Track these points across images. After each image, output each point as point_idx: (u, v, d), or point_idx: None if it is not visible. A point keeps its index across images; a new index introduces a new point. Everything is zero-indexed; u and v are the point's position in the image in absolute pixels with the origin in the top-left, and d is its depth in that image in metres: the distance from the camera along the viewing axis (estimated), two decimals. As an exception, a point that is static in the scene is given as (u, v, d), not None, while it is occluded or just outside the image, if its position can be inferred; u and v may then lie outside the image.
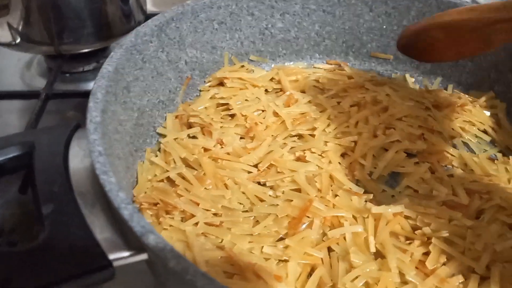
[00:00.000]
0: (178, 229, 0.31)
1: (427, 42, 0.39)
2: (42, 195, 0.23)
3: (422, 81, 0.50)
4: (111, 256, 0.22)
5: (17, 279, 0.20)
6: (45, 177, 0.24)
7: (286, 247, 0.30)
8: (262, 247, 0.30)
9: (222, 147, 0.38)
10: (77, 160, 0.26)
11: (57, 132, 0.27)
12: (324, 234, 0.32)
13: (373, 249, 0.31)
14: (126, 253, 0.22)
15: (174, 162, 0.37)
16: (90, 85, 0.57)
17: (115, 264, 0.22)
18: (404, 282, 0.29)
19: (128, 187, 0.33)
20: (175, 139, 0.39)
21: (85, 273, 0.21)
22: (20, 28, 0.51)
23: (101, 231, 0.22)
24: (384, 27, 0.49)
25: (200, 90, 0.46)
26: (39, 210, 0.22)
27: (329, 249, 0.31)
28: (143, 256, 0.22)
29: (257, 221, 0.33)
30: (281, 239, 0.31)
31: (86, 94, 0.52)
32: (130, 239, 0.22)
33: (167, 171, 0.36)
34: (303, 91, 0.46)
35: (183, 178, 0.35)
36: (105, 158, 0.24)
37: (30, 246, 0.21)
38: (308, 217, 0.32)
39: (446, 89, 0.48)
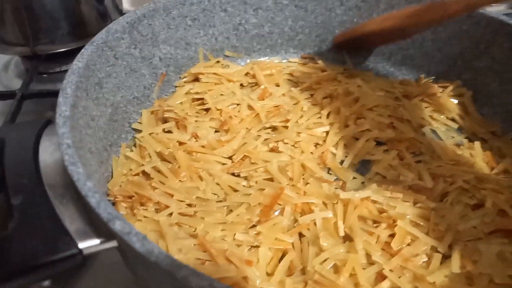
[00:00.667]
0: (152, 219, 0.31)
1: (355, 42, 0.50)
2: (11, 187, 0.23)
3: (392, 72, 0.51)
4: (81, 245, 0.22)
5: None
6: (15, 170, 0.24)
7: (258, 233, 0.31)
8: (235, 234, 0.31)
9: (196, 141, 0.39)
10: (47, 154, 0.26)
11: (27, 128, 0.28)
12: (295, 220, 0.33)
13: (342, 233, 0.32)
14: (96, 241, 0.23)
15: (150, 156, 0.37)
16: (67, 85, 0.58)
17: (86, 252, 0.22)
18: (371, 263, 0.30)
19: (103, 181, 0.34)
20: (150, 134, 0.39)
21: (56, 261, 0.21)
22: (-6, 29, 0.51)
23: (70, 221, 0.23)
24: (355, 20, 0.50)
25: (176, 86, 0.46)
26: (9, 202, 0.23)
27: (300, 235, 0.32)
28: (112, 244, 0.23)
29: (231, 210, 0.34)
30: (254, 226, 0.32)
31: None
32: (99, 227, 0.23)
33: (142, 165, 0.36)
34: (277, 85, 0.47)
35: (158, 171, 0.36)
36: (74, 150, 0.24)
37: None
38: (280, 204, 0.33)
39: (417, 80, 0.50)
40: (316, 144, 0.40)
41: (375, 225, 0.32)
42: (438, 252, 0.30)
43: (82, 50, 0.33)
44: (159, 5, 0.42)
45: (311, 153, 0.39)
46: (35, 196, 0.23)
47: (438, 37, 0.48)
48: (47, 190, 0.24)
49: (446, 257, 0.30)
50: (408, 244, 0.31)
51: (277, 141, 0.40)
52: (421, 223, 0.32)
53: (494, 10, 0.46)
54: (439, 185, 0.35)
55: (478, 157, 0.39)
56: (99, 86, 0.35)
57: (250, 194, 0.35)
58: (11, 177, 0.24)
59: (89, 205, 0.21)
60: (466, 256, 0.29)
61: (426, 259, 0.30)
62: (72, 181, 0.23)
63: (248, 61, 0.51)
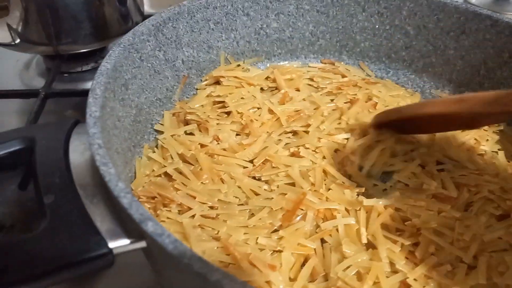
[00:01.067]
0: (175, 221, 0.32)
1: (403, 125, 0.39)
2: (43, 186, 0.24)
3: (413, 79, 0.51)
4: (111, 244, 0.23)
5: (17, 267, 0.21)
6: (46, 169, 0.25)
7: (280, 238, 0.31)
8: (257, 238, 0.31)
9: (218, 143, 0.39)
10: (77, 153, 0.27)
11: (57, 127, 0.28)
12: (318, 226, 0.33)
13: (364, 240, 0.31)
14: (125, 241, 0.23)
15: (172, 158, 0.38)
16: (88, 85, 0.58)
17: (115, 251, 0.23)
18: (394, 271, 0.30)
19: (126, 182, 0.34)
20: (172, 135, 0.39)
21: (86, 260, 0.22)
22: (19, 28, 0.51)
23: (101, 220, 0.23)
24: (377, 26, 0.50)
25: (197, 89, 0.47)
26: (41, 201, 0.23)
27: (322, 241, 0.32)
28: (142, 244, 0.23)
29: (252, 214, 0.34)
30: (276, 231, 0.32)
31: (84, 93, 0.53)
32: (129, 228, 0.23)
33: (165, 166, 0.37)
34: (297, 89, 0.47)
35: (180, 173, 0.36)
36: (105, 150, 0.24)
37: (30, 235, 0.22)
38: (302, 209, 0.33)
39: (437, 88, 0.50)
40: (337, 150, 0.40)
41: (398, 233, 0.32)
42: (463, 262, 0.30)
43: (110, 52, 0.34)
44: (183, 8, 0.42)
45: (332, 158, 0.39)
46: (67, 195, 0.23)
47: (461, 45, 0.47)
48: (78, 190, 0.24)
49: (471, 268, 0.30)
50: (432, 254, 0.30)
51: (298, 146, 0.40)
52: (446, 233, 0.31)
53: (518, 18, 0.45)
54: (464, 195, 0.34)
55: (502, 167, 0.38)
56: (125, 87, 0.35)
57: (272, 198, 0.35)
58: (43, 176, 0.24)
59: (121, 205, 0.21)
60: (492, 267, 0.29)
61: (451, 269, 0.29)
62: (104, 182, 0.23)
63: (268, 65, 0.52)
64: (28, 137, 0.27)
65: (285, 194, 0.35)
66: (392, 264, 0.30)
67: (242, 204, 0.35)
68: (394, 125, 0.39)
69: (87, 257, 0.22)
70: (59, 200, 0.23)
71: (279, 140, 0.41)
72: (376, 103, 0.44)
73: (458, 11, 0.46)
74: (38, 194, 0.24)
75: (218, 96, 0.44)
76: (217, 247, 0.30)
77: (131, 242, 0.23)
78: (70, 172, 0.25)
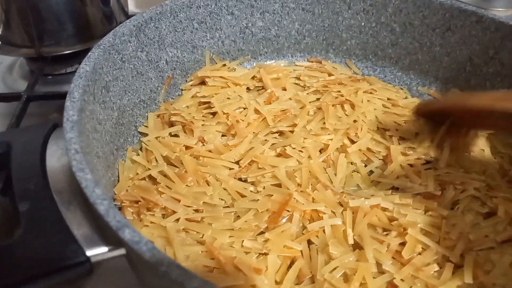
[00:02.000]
0: (159, 225, 0.31)
1: (447, 118, 0.37)
2: (18, 193, 0.23)
3: (400, 77, 0.51)
4: (89, 252, 0.22)
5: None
6: (22, 175, 0.24)
7: (266, 240, 0.31)
8: (243, 241, 0.31)
9: (203, 145, 0.39)
10: (54, 159, 0.26)
11: (34, 132, 0.27)
12: (304, 227, 0.32)
13: (351, 241, 0.31)
14: (103, 249, 0.22)
15: (156, 160, 0.37)
16: (72, 87, 0.57)
17: (93, 260, 0.22)
18: (381, 272, 0.29)
19: (109, 186, 0.33)
20: (156, 137, 0.39)
21: (63, 268, 0.21)
22: (0, 31, 0.50)
23: (78, 228, 0.23)
24: (363, 24, 0.50)
25: (182, 89, 0.46)
26: (16, 208, 0.22)
27: (309, 242, 0.32)
28: (121, 251, 0.22)
29: (238, 216, 0.33)
30: (262, 233, 0.32)
31: (66, 96, 0.52)
32: (107, 235, 0.23)
33: (149, 169, 0.36)
34: (284, 89, 0.47)
35: (165, 175, 0.35)
36: (82, 156, 0.24)
37: (5, 243, 0.22)
38: (288, 211, 0.33)
39: (424, 85, 0.50)
40: (321, 150, 0.40)
41: (385, 233, 0.32)
42: (450, 261, 0.30)
43: (89, 53, 0.33)
44: (166, 8, 0.41)
45: (317, 158, 0.39)
46: (42, 202, 0.23)
47: (447, 42, 0.47)
48: (54, 196, 0.23)
49: (458, 267, 0.30)
50: (419, 253, 0.30)
51: (284, 146, 0.39)
52: (432, 232, 0.31)
53: (504, 14, 0.45)
54: (449, 193, 0.34)
55: (489, 164, 0.38)
56: (106, 89, 0.34)
57: (258, 200, 0.34)
58: (18, 183, 0.23)
59: (97, 212, 0.21)
60: (478, 266, 0.29)
61: (437, 269, 0.29)
62: (80, 188, 0.22)
63: (254, 64, 0.51)
64: (4, 141, 0.27)
65: (271, 195, 0.34)
66: (379, 264, 0.30)
67: (227, 207, 0.34)
68: (434, 116, 0.38)
69: (63, 266, 0.21)
70: (35, 207, 0.22)
71: (265, 140, 0.40)
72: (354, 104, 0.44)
73: (443, 8, 0.46)
74: (13, 201, 0.23)
75: (204, 96, 0.44)
76: (202, 251, 0.29)
77: (109, 250, 0.22)
78: (46, 178, 0.24)
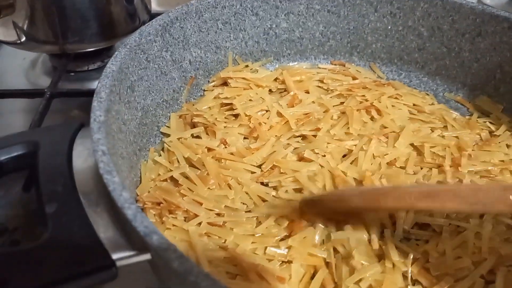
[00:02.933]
0: (181, 229, 0.31)
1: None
2: (45, 194, 0.23)
3: (426, 82, 0.49)
4: (114, 256, 0.22)
5: (18, 278, 0.20)
6: (49, 176, 0.24)
7: (289, 247, 0.30)
8: (266, 247, 0.30)
9: (225, 147, 0.38)
10: (81, 159, 0.26)
11: (61, 131, 0.27)
12: (329, 233, 0.32)
13: (376, 246, 0.30)
14: (129, 253, 0.22)
15: (178, 161, 0.37)
16: (94, 84, 0.56)
17: (118, 264, 0.22)
18: (408, 284, 0.29)
19: (132, 187, 0.33)
20: (178, 138, 0.39)
21: (88, 272, 0.21)
22: (25, 27, 0.51)
23: (104, 231, 0.22)
24: (389, 27, 0.49)
25: (204, 90, 0.46)
26: (43, 210, 0.22)
27: (333, 249, 0.31)
28: (146, 256, 0.22)
29: (260, 221, 0.33)
30: (283, 239, 0.31)
31: (90, 93, 0.53)
32: (133, 239, 0.22)
33: (171, 170, 0.36)
34: (307, 92, 0.46)
35: (187, 177, 0.35)
36: (109, 157, 0.24)
37: (32, 245, 0.21)
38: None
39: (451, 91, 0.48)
40: (345, 156, 0.39)
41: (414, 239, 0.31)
42: (482, 278, 0.29)
43: (116, 53, 0.33)
44: (191, 7, 0.41)
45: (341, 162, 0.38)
46: (69, 204, 0.23)
47: (476, 48, 0.46)
48: (81, 198, 0.23)
49: (488, 283, 0.29)
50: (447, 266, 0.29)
51: (307, 151, 0.39)
52: (462, 245, 0.30)
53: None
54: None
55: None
56: (131, 89, 0.34)
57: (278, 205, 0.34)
58: (45, 184, 0.23)
59: (125, 217, 0.21)
60: (510, 282, 0.28)
61: (469, 284, 0.28)
62: (107, 191, 0.22)
63: (277, 66, 0.50)
64: (32, 141, 0.27)
65: (291, 200, 0.34)
66: (405, 277, 0.29)
67: (249, 211, 0.34)
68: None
69: (89, 269, 0.21)
70: (62, 210, 0.22)
71: (288, 144, 0.40)
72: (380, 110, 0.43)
73: (474, 13, 0.45)
74: (40, 202, 0.23)
75: (226, 98, 0.43)
76: (224, 257, 0.29)
77: (135, 254, 0.22)
78: (73, 180, 0.24)
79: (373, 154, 0.38)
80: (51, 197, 0.23)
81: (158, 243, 0.19)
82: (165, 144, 0.38)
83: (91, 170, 0.25)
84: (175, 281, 0.22)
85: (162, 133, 0.40)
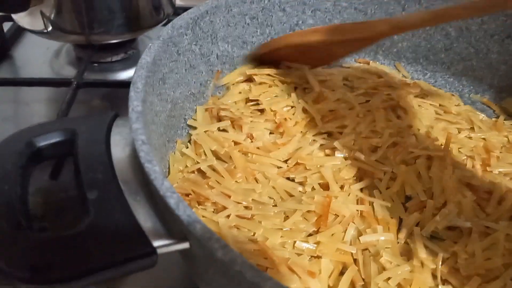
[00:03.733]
0: (211, 220, 0.31)
1: (280, 55, 0.46)
2: (86, 181, 0.23)
3: (452, 83, 0.49)
4: (155, 244, 0.22)
5: (62, 264, 0.21)
6: (89, 164, 0.24)
7: (318, 243, 0.30)
8: (295, 242, 0.30)
9: (252, 141, 0.38)
10: (118, 148, 0.26)
11: (97, 120, 0.28)
12: (357, 234, 0.32)
13: (402, 240, 0.30)
14: (169, 241, 0.22)
15: (205, 154, 0.37)
16: (117, 75, 0.58)
17: (159, 251, 0.22)
18: (438, 284, 0.29)
19: (162, 178, 0.33)
20: (205, 131, 0.39)
21: (131, 259, 0.21)
22: (52, 16, 0.51)
23: (144, 219, 0.23)
24: (416, 27, 0.49)
25: (230, 84, 0.46)
26: (84, 196, 0.23)
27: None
28: (185, 245, 0.22)
29: (287, 216, 0.33)
30: (312, 234, 0.31)
31: (116, 84, 0.53)
32: (173, 228, 0.23)
33: (198, 162, 0.36)
34: (332, 89, 0.46)
35: (214, 170, 0.35)
36: (148, 147, 0.24)
37: (74, 231, 0.22)
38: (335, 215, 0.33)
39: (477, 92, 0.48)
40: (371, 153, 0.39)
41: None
42: None
43: (150, 45, 0.33)
44: (221, 2, 0.41)
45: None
46: (110, 191, 0.23)
47: (505, 49, 0.46)
48: (122, 186, 0.23)
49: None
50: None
51: (333, 148, 0.39)
52: (492, 246, 0.30)
53: None
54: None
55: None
56: (163, 81, 0.34)
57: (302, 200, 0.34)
58: (86, 171, 0.24)
59: (167, 205, 0.21)
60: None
61: (500, 285, 0.28)
62: (149, 180, 0.22)
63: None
64: (70, 129, 0.27)
65: (314, 197, 0.34)
66: (434, 276, 0.29)
67: (275, 206, 0.34)
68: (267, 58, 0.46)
69: (131, 256, 0.21)
70: (103, 197, 0.22)
71: (314, 140, 0.40)
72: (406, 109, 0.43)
73: (504, 14, 0.44)
74: (81, 188, 0.23)
75: (251, 93, 0.44)
76: (254, 250, 0.29)
77: (175, 243, 0.22)
78: (113, 168, 0.24)
79: (401, 152, 0.38)
80: (92, 184, 0.23)
81: (202, 232, 0.20)
82: (192, 136, 0.39)
83: (129, 159, 0.25)
84: (213, 271, 0.22)
85: (189, 125, 0.40)
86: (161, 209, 0.23)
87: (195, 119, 0.41)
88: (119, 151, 0.26)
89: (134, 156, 0.25)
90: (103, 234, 0.21)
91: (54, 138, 0.26)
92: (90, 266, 0.21)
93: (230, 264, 0.19)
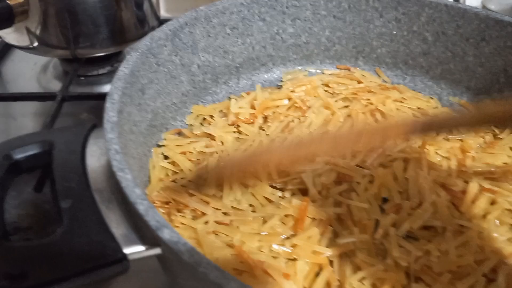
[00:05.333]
0: (189, 227, 0.32)
1: None
2: (60, 191, 0.24)
3: (431, 86, 0.50)
4: (126, 250, 0.23)
5: (35, 272, 0.21)
6: (64, 174, 0.25)
7: (294, 246, 0.31)
8: (271, 245, 0.31)
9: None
10: (94, 158, 0.27)
11: (74, 132, 0.28)
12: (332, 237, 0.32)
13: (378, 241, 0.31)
14: (140, 248, 0.23)
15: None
16: (104, 88, 0.59)
17: (130, 258, 0.23)
18: (411, 282, 0.29)
19: (142, 186, 0.34)
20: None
21: (102, 266, 0.22)
22: (38, 32, 0.52)
23: (116, 226, 0.23)
24: (394, 32, 0.50)
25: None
26: (58, 205, 0.23)
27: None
28: (157, 251, 0.23)
29: (266, 221, 0.33)
30: (290, 237, 0.32)
31: (100, 97, 0.54)
32: (144, 234, 0.23)
33: (176, 172, 0.36)
34: (316, 95, 0.47)
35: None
36: (121, 156, 0.24)
37: (48, 239, 0.22)
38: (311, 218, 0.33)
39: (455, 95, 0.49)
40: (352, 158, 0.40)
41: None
42: (484, 276, 0.29)
43: (128, 57, 0.34)
44: (200, 13, 0.42)
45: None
46: (84, 200, 0.23)
47: (481, 52, 0.46)
48: (95, 195, 0.24)
49: (490, 281, 0.29)
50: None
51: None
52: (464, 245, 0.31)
53: (541, 26, 0.44)
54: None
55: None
56: (142, 92, 0.35)
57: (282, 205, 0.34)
58: (60, 181, 0.24)
59: (137, 212, 0.21)
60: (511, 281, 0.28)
61: (471, 283, 0.29)
62: (120, 187, 0.23)
63: (283, 70, 0.51)
64: (47, 140, 0.28)
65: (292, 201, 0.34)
66: (408, 274, 0.29)
67: (254, 211, 0.34)
68: None
69: (103, 263, 0.22)
70: (76, 205, 0.23)
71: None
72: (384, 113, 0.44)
73: (478, 18, 0.45)
74: (55, 198, 0.24)
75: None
76: (231, 254, 0.30)
77: (146, 249, 0.23)
78: (87, 177, 0.25)
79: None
80: (66, 194, 0.24)
81: (169, 237, 0.20)
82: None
83: (104, 169, 0.26)
84: (185, 275, 0.23)
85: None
86: (132, 216, 0.24)
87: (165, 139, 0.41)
88: (94, 161, 0.27)
89: (109, 166, 0.25)
90: (75, 242, 0.22)
91: (31, 151, 0.27)
92: (63, 274, 0.21)
93: (195, 266, 0.19)
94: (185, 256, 0.19)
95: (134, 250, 0.23)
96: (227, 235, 0.31)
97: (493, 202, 0.34)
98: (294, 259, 0.30)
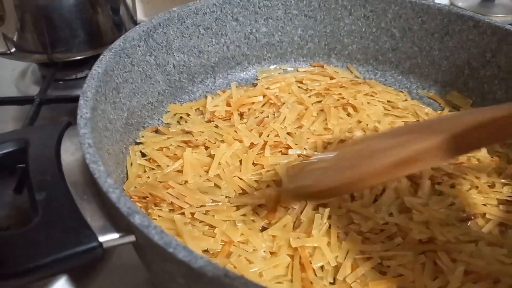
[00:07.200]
0: (167, 219, 0.32)
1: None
2: (35, 183, 0.25)
3: (401, 80, 0.52)
4: (101, 238, 0.23)
5: (11, 260, 0.22)
6: (39, 168, 0.26)
7: (274, 237, 0.32)
8: (250, 238, 0.32)
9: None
10: (68, 153, 0.28)
11: (50, 129, 0.29)
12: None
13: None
14: (115, 235, 0.24)
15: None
16: (82, 92, 0.59)
17: (105, 245, 0.23)
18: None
19: (119, 182, 0.35)
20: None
21: (77, 253, 0.23)
22: (14, 38, 0.53)
23: (91, 216, 0.24)
24: (364, 29, 0.52)
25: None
26: (33, 198, 0.24)
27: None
28: (131, 238, 0.24)
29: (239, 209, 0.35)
30: (265, 228, 0.33)
31: (76, 99, 0.54)
32: (119, 222, 0.24)
33: (153, 169, 0.37)
34: (290, 92, 0.48)
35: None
36: (94, 149, 0.25)
37: (23, 229, 0.23)
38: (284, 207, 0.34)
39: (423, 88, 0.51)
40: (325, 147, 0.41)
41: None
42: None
43: (101, 56, 0.35)
44: (173, 14, 0.43)
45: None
46: (58, 192, 0.24)
47: (445, 46, 0.49)
48: (69, 187, 0.25)
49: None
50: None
51: (287, 147, 0.41)
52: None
53: (500, 19, 0.47)
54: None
55: (486, 161, 0.39)
56: (117, 91, 0.36)
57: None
58: (35, 175, 0.25)
59: (109, 200, 0.22)
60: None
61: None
62: (93, 178, 0.24)
63: (258, 68, 0.53)
64: (22, 138, 0.28)
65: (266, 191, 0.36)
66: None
67: (229, 202, 0.36)
68: None
69: (78, 251, 0.23)
70: (51, 197, 0.24)
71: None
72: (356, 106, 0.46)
73: (441, 13, 0.47)
74: (30, 191, 0.24)
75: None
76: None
77: (120, 236, 0.24)
78: (61, 171, 0.26)
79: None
80: (41, 186, 0.24)
81: (140, 221, 0.21)
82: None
83: (78, 163, 0.27)
84: (158, 259, 0.24)
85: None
86: (106, 206, 0.25)
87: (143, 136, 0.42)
88: (69, 156, 0.27)
89: (83, 160, 0.26)
90: (51, 231, 0.23)
91: (6, 149, 0.28)
92: (39, 262, 0.22)
93: (165, 247, 0.20)
94: (156, 238, 0.20)
95: (108, 238, 0.24)
96: (205, 223, 0.33)
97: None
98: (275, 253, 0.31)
